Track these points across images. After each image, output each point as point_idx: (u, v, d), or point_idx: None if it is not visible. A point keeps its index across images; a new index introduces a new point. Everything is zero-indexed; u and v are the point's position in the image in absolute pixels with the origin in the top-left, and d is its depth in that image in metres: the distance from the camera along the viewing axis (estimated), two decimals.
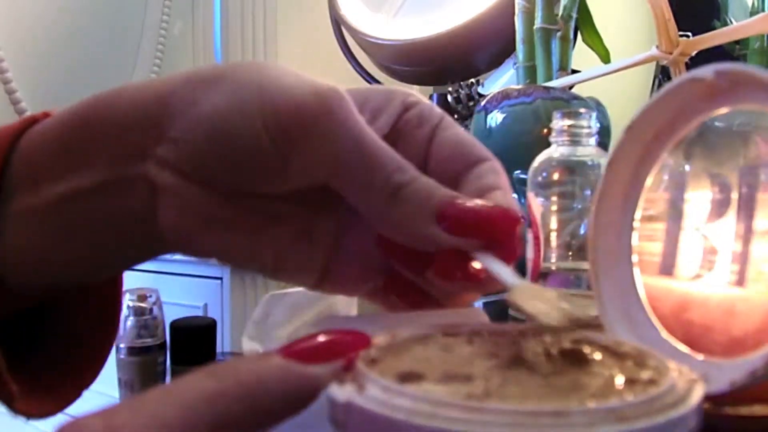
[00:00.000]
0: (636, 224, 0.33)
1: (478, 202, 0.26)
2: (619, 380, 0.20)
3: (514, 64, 0.98)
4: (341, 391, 0.19)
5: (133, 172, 0.27)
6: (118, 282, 0.34)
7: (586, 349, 0.21)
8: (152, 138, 0.27)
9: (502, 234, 0.26)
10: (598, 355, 0.21)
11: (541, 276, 0.59)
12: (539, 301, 0.22)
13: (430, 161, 0.29)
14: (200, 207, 0.27)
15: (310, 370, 0.20)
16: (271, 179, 0.27)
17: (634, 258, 0.33)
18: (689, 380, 0.19)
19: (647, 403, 0.18)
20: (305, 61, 1.49)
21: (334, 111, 0.26)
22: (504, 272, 0.25)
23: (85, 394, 0.35)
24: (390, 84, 1.24)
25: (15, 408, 0.30)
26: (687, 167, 0.35)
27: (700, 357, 0.29)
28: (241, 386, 0.19)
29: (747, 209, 0.32)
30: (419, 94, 0.31)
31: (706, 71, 0.30)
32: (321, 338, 0.21)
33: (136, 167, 0.27)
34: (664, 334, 0.31)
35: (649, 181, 0.33)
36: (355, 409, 0.18)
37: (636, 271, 0.33)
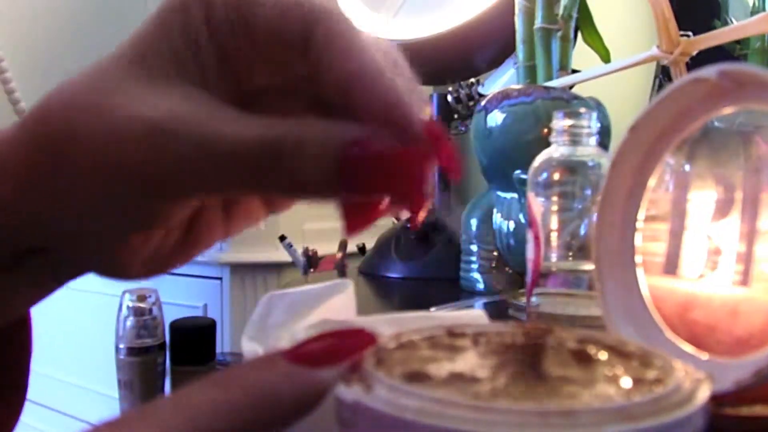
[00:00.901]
0: (639, 224, 0.33)
1: (373, 144, 0.22)
2: (626, 380, 0.20)
3: (514, 64, 0.98)
4: (349, 392, 0.19)
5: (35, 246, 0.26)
6: (26, 324, 0.31)
7: (592, 349, 0.21)
8: (36, 238, 0.25)
9: (417, 176, 0.22)
10: (603, 355, 0.21)
11: (541, 276, 0.59)
12: None
13: (265, 51, 0.24)
14: (115, 257, 0.26)
15: (318, 375, 0.20)
16: (166, 217, 0.25)
17: (638, 258, 0.33)
18: (695, 380, 0.19)
19: (654, 402, 0.18)
20: None
21: (181, 142, 0.23)
22: None
23: (86, 394, 0.34)
24: None
25: None
26: (691, 167, 0.35)
27: (705, 356, 0.29)
28: (249, 396, 0.19)
29: (751, 209, 0.32)
30: None
31: (710, 72, 0.30)
32: (326, 340, 0.21)
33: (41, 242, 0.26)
34: (668, 333, 0.31)
35: (652, 181, 0.33)
36: (363, 409, 0.18)
37: (639, 270, 0.33)
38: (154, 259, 0.27)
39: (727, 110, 0.31)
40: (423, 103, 0.24)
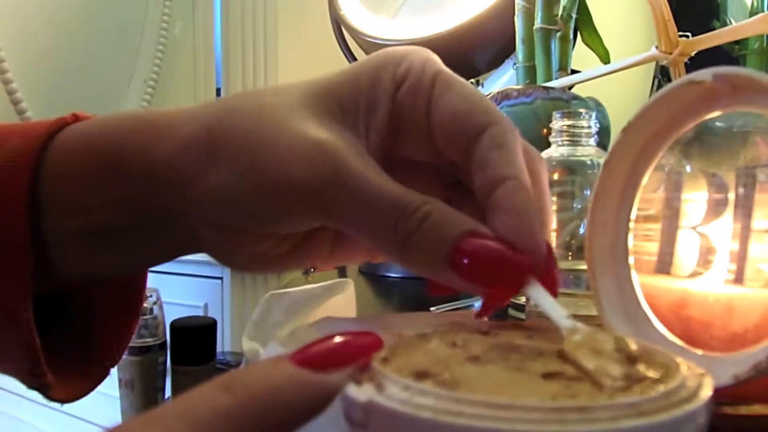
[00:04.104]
0: (631, 224, 0.34)
1: (491, 245, 0.24)
2: (634, 376, 0.20)
3: (514, 64, 0.98)
4: (360, 392, 0.19)
5: (170, 217, 0.29)
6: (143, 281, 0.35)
7: (598, 346, 0.22)
8: (178, 201, 0.28)
9: (515, 283, 0.24)
10: (610, 352, 0.21)
11: None
12: (594, 354, 0.21)
13: (436, 137, 0.27)
14: (233, 246, 0.29)
15: (326, 379, 0.19)
16: (285, 228, 0.28)
17: (631, 256, 0.33)
18: (698, 375, 0.20)
19: (665, 397, 0.18)
20: (305, 61, 1.49)
21: (329, 176, 0.25)
22: (554, 311, 0.24)
23: None
24: None
25: (51, 396, 0.31)
26: (684, 167, 0.35)
27: (699, 352, 0.29)
28: (256, 400, 0.19)
29: (744, 209, 0.32)
30: (409, 50, 0.28)
31: (705, 74, 0.30)
32: (333, 342, 0.20)
33: (173, 214, 0.29)
34: (663, 330, 0.31)
35: (645, 180, 0.34)
36: (377, 408, 0.18)
37: (633, 269, 0.33)
38: (259, 258, 0.30)
39: (722, 112, 0.31)
40: (549, 219, 0.28)
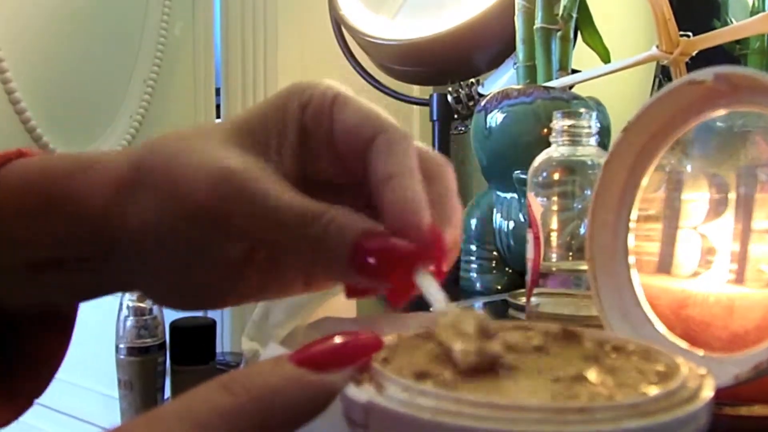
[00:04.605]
0: (632, 224, 0.34)
1: (380, 241, 0.26)
2: (635, 376, 0.20)
3: (514, 64, 0.98)
4: (360, 392, 0.19)
5: (105, 255, 0.30)
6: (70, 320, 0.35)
7: (599, 347, 0.22)
8: (111, 240, 0.30)
9: (407, 273, 0.26)
10: (610, 353, 0.21)
11: (541, 276, 0.59)
12: (457, 335, 0.21)
13: (339, 153, 0.29)
14: (168, 281, 0.30)
15: (327, 379, 0.19)
16: (208, 259, 0.29)
17: (631, 256, 0.33)
18: (698, 375, 0.20)
19: (667, 397, 0.18)
20: (305, 61, 1.49)
21: (235, 196, 0.27)
22: (433, 294, 0.25)
23: (86, 394, 0.35)
24: (390, 83, 1.24)
25: None
26: (685, 167, 0.35)
27: (700, 353, 0.29)
28: (256, 400, 0.19)
29: (745, 209, 0.32)
30: (315, 80, 0.30)
31: (705, 74, 0.30)
32: (334, 343, 0.20)
33: (108, 252, 0.30)
34: (663, 330, 0.31)
35: (645, 180, 0.34)
36: (377, 409, 0.18)
37: (633, 269, 0.33)
38: (193, 294, 0.31)
39: (722, 112, 0.31)
40: (453, 213, 0.29)
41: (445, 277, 0.26)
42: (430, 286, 0.25)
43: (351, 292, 0.29)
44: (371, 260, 0.26)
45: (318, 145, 0.29)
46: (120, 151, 0.31)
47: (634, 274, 0.33)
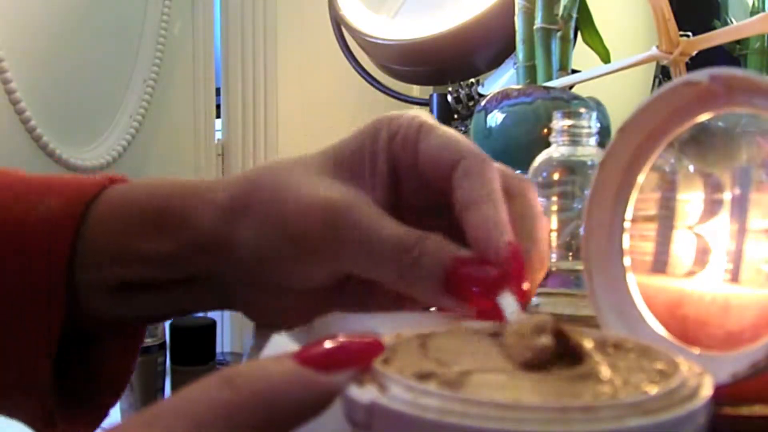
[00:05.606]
0: (627, 224, 0.34)
1: (471, 269, 0.27)
2: (636, 376, 0.20)
3: (514, 64, 0.98)
4: (362, 392, 0.19)
5: (206, 275, 0.32)
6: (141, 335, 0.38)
7: (598, 346, 0.22)
8: (216, 262, 0.32)
9: (491, 295, 0.27)
10: (610, 351, 0.22)
11: None
12: (516, 335, 0.22)
13: (424, 178, 0.31)
14: (260, 302, 0.33)
15: (329, 379, 0.19)
16: (306, 282, 0.31)
17: (627, 256, 0.33)
18: (697, 374, 0.20)
19: (668, 396, 0.18)
20: (305, 61, 1.49)
21: (340, 226, 0.29)
22: (508, 314, 0.26)
23: None
24: (389, 83, 1.24)
25: None
26: (680, 167, 0.35)
27: (696, 351, 0.29)
28: (257, 397, 0.19)
29: (740, 209, 0.32)
30: (402, 111, 0.32)
31: (701, 75, 0.30)
32: (336, 343, 0.20)
33: (210, 273, 0.32)
34: (659, 329, 0.31)
35: (641, 180, 0.34)
36: (381, 410, 0.18)
37: (628, 269, 0.33)
38: (289, 314, 0.33)
39: (717, 113, 0.31)
40: (538, 228, 0.30)
41: (527, 297, 0.27)
42: (508, 307, 0.26)
43: (438, 311, 0.30)
44: (459, 286, 0.27)
45: (406, 172, 0.31)
46: (222, 179, 0.34)
47: (629, 274, 0.33)
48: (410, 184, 0.32)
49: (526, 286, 0.27)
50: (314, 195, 0.30)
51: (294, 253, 0.30)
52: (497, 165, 0.31)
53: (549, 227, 0.31)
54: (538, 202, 0.31)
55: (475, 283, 0.27)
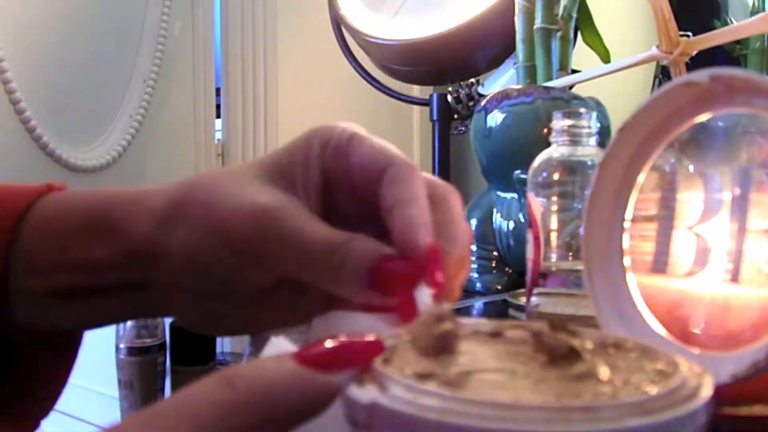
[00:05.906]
0: (627, 224, 0.34)
1: (391, 264, 0.28)
2: (636, 375, 0.20)
3: (514, 64, 0.98)
4: (363, 392, 0.19)
5: (142, 282, 0.32)
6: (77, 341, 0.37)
7: (598, 346, 0.22)
8: (151, 269, 0.32)
9: (410, 290, 0.28)
10: (610, 351, 0.22)
11: (541, 276, 0.59)
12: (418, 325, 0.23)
13: (355, 187, 0.32)
14: (200, 308, 0.33)
15: (329, 379, 0.19)
16: (240, 286, 0.32)
17: (627, 256, 0.33)
18: (697, 374, 0.20)
19: (669, 395, 0.18)
20: (305, 61, 1.49)
21: (272, 229, 0.30)
22: (423, 307, 0.27)
23: (85, 394, 0.35)
24: (389, 83, 1.24)
25: None
26: (680, 168, 0.35)
27: (696, 351, 0.29)
28: (257, 397, 0.19)
29: (740, 209, 0.32)
30: (334, 123, 0.33)
31: (701, 75, 0.30)
32: (336, 343, 0.20)
33: (146, 280, 0.32)
34: (658, 329, 0.31)
35: (640, 179, 0.34)
36: (381, 409, 0.18)
37: (629, 269, 0.33)
38: (224, 321, 0.33)
39: (717, 113, 0.31)
40: (457, 233, 0.31)
41: (445, 291, 0.29)
42: (423, 300, 0.27)
43: (367, 309, 0.31)
44: (381, 281, 0.28)
45: (338, 181, 0.32)
46: (162, 186, 0.34)
47: (629, 274, 0.33)
48: (342, 192, 0.33)
49: (440, 278, 0.28)
50: (247, 200, 0.31)
51: (228, 257, 0.31)
52: (423, 173, 0.32)
53: (471, 232, 0.32)
54: (461, 208, 0.33)
55: (394, 277, 0.28)
